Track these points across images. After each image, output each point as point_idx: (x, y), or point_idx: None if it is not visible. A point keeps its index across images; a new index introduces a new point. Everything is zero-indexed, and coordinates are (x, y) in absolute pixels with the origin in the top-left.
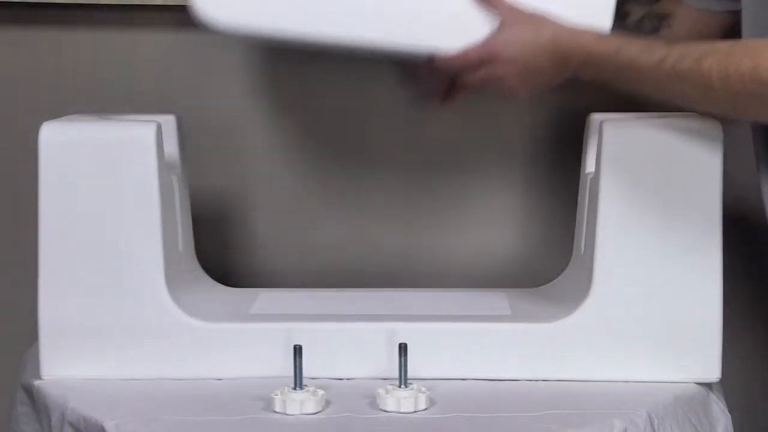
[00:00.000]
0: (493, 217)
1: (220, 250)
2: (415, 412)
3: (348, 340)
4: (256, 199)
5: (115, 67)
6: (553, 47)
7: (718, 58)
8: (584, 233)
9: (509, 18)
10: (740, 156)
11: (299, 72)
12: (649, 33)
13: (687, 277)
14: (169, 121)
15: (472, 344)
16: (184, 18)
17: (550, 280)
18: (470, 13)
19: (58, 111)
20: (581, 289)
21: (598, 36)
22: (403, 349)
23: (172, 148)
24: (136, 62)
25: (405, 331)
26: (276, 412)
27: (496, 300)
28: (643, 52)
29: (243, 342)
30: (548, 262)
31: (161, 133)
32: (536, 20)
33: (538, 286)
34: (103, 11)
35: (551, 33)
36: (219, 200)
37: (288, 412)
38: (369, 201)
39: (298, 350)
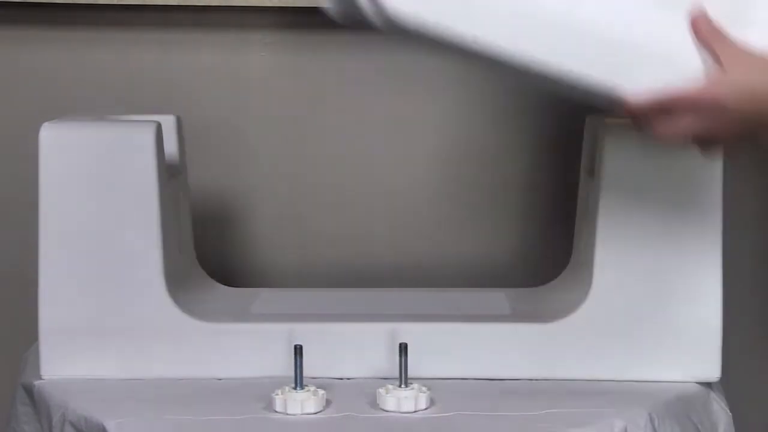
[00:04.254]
0: (493, 217)
1: (220, 250)
2: (415, 411)
3: (348, 339)
4: (256, 199)
5: (115, 67)
6: None
7: None
8: (584, 233)
9: (731, 59)
10: (741, 155)
11: (299, 72)
12: None
13: (687, 276)
14: (169, 121)
15: (473, 344)
16: (184, 18)
17: (550, 280)
18: (683, 52)
19: (58, 111)
20: (581, 289)
21: None
22: (403, 348)
23: (172, 148)
24: (136, 62)
25: (405, 331)
26: (276, 411)
27: (496, 300)
28: None
29: (243, 342)
30: (548, 262)
31: (161, 133)
32: (765, 63)
33: (538, 286)
34: (103, 11)
35: None
36: (219, 200)
37: (288, 412)
38: (369, 201)
39: (298, 350)
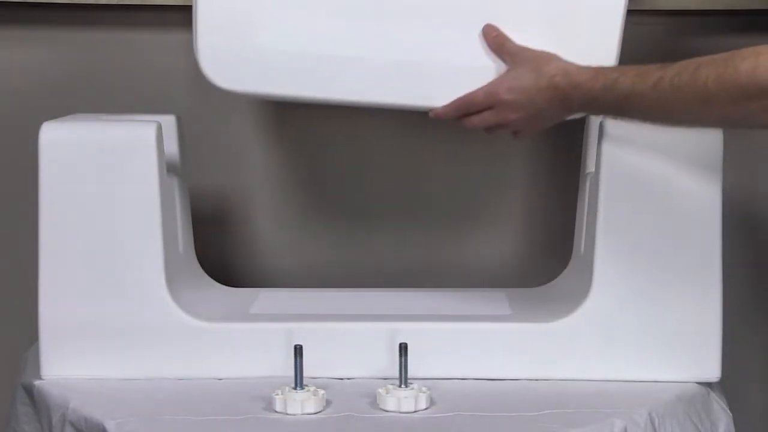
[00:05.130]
0: (493, 217)
1: (220, 250)
2: (415, 411)
3: (348, 340)
4: (256, 199)
5: (115, 67)
6: (552, 91)
7: (715, 66)
8: (584, 233)
9: (513, 61)
10: (740, 156)
11: None
12: None
13: (687, 277)
14: (169, 121)
15: (473, 344)
16: (184, 18)
17: (550, 280)
18: (478, 65)
19: (58, 111)
20: (581, 289)
21: (595, 72)
22: (403, 348)
23: (172, 148)
24: (136, 62)
25: (405, 331)
26: (277, 411)
27: (496, 300)
28: (639, 77)
29: (243, 342)
30: (548, 262)
31: (161, 133)
32: (538, 63)
33: (538, 286)
34: (103, 11)
35: (550, 76)
36: (219, 200)
37: (288, 412)
38: (369, 201)
39: (298, 350)
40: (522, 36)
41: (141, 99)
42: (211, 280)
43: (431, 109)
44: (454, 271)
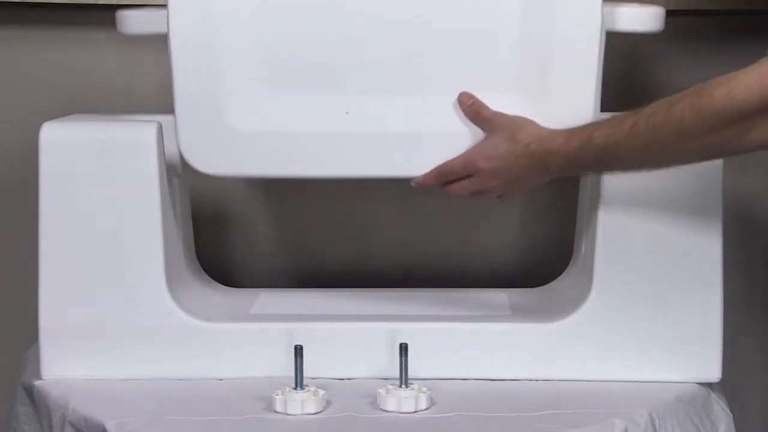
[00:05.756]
0: (493, 217)
1: (220, 250)
2: (415, 412)
3: (348, 340)
4: (256, 199)
5: (115, 67)
6: (528, 158)
7: (689, 98)
8: (584, 233)
9: (489, 129)
10: (741, 157)
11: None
12: None
13: (687, 277)
14: (169, 121)
15: (473, 344)
16: None
17: (550, 280)
18: (455, 131)
19: (58, 111)
20: (581, 289)
21: (568, 133)
22: (403, 349)
23: (172, 148)
24: (135, 62)
25: (405, 331)
26: (277, 412)
27: (496, 300)
28: (613, 128)
29: (244, 342)
30: (548, 262)
31: (162, 133)
32: (512, 130)
33: (538, 286)
34: (103, 11)
35: (525, 144)
36: (219, 200)
37: (289, 412)
38: (369, 201)
39: (298, 350)
40: (497, 98)
41: (141, 99)
42: (211, 280)
43: (412, 178)
44: (454, 271)
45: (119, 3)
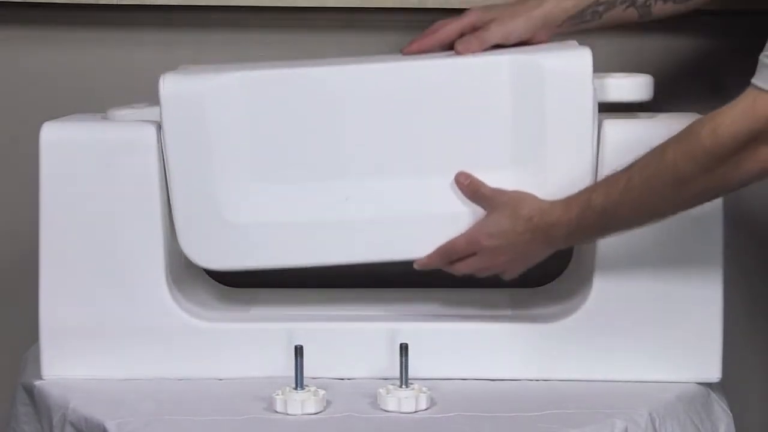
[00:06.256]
0: None
1: None
2: (416, 412)
3: (349, 340)
4: None
5: (115, 67)
6: (531, 233)
7: (677, 143)
8: None
9: (490, 206)
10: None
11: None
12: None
13: (688, 277)
14: None
15: (473, 344)
16: (184, 18)
17: (550, 280)
18: (455, 212)
19: (58, 111)
20: (581, 290)
21: (566, 202)
22: (404, 349)
23: None
24: (135, 62)
25: (405, 331)
26: (277, 412)
27: (497, 300)
28: (610, 187)
29: (244, 342)
30: (548, 262)
31: (162, 133)
32: (513, 206)
33: (538, 286)
34: (103, 11)
35: (526, 219)
36: None
37: (289, 412)
38: None
39: (299, 350)
40: (496, 175)
41: (141, 99)
42: (211, 279)
43: (414, 261)
44: None
45: (119, 3)
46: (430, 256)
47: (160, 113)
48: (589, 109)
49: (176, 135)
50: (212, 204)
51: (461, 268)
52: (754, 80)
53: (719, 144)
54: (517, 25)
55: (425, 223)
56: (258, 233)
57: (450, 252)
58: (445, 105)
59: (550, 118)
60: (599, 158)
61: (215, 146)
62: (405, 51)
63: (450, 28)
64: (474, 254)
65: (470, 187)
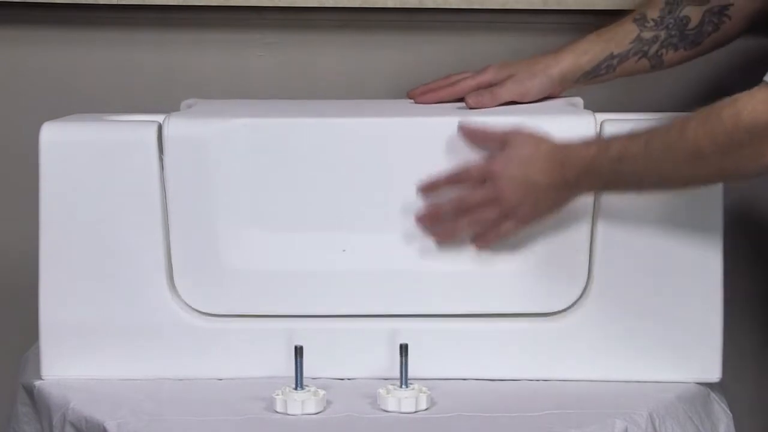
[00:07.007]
0: None
1: None
2: (416, 412)
3: (349, 339)
4: None
5: (115, 67)
6: (547, 162)
7: (700, 119)
8: None
9: (511, 140)
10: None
11: (299, 72)
12: (710, 33)
13: (688, 276)
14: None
15: (473, 344)
16: (184, 18)
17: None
18: (454, 271)
19: (58, 111)
20: (581, 289)
21: (586, 140)
22: (404, 349)
23: None
24: (136, 62)
25: (406, 331)
26: (277, 412)
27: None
28: (630, 141)
29: (244, 342)
30: None
31: (161, 133)
32: (536, 138)
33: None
34: (103, 11)
35: (547, 149)
36: None
37: (289, 412)
38: None
39: (299, 350)
40: None
41: (141, 99)
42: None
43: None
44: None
45: (119, 3)
46: (438, 175)
47: (161, 155)
48: None
49: (178, 177)
50: (210, 248)
51: (469, 199)
52: None
53: (741, 128)
54: (534, 85)
55: (422, 278)
56: (256, 281)
57: (461, 173)
58: (448, 161)
59: None
60: None
61: (216, 191)
62: (418, 99)
63: (466, 84)
64: (484, 183)
65: (480, 130)
